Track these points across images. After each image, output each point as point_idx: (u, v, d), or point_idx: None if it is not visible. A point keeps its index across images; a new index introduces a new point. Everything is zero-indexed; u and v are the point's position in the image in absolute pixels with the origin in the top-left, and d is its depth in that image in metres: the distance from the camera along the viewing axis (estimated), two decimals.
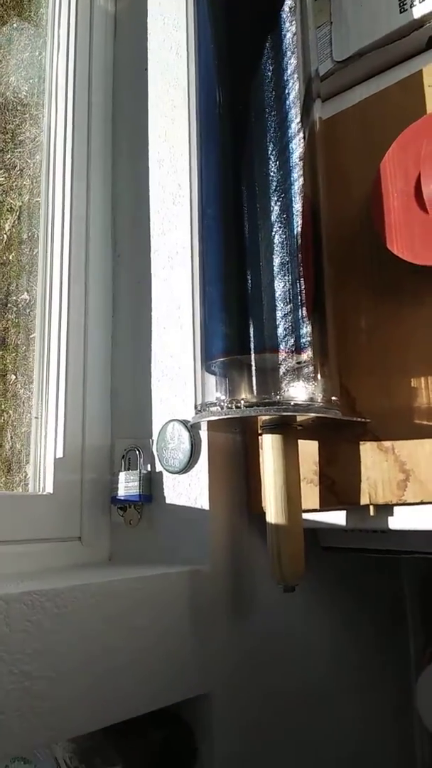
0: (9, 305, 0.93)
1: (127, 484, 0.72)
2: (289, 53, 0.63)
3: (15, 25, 1.04)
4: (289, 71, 0.63)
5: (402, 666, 0.90)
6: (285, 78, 0.63)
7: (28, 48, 1.02)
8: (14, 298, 0.93)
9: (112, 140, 0.87)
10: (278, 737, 0.69)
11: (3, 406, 0.90)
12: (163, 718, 0.61)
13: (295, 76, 0.63)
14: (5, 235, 0.97)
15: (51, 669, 0.51)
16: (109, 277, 0.82)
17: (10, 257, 0.96)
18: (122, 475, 0.73)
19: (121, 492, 0.72)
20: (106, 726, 0.54)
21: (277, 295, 0.58)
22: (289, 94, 0.63)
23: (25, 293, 0.91)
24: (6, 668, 0.48)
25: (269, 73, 0.63)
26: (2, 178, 0.99)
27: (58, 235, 0.79)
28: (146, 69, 0.84)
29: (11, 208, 0.98)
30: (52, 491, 0.71)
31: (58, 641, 0.51)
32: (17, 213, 0.97)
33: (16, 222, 0.97)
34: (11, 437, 0.88)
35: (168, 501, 0.70)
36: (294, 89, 0.63)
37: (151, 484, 0.72)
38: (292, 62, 0.63)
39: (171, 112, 0.80)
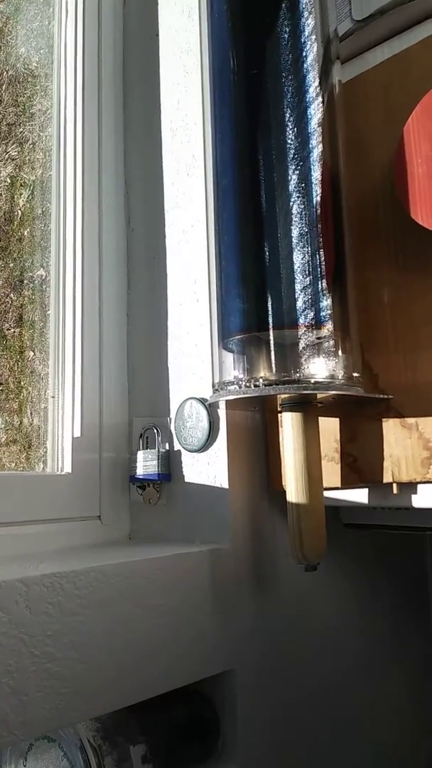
0: (25, 281, 0.92)
1: (146, 463, 0.71)
2: (306, 13, 0.60)
3: None
4: (306, 32, 0.60)
5: (424, 640, 0.89)
6: (302, 40, 0.60)
7: (37, 17, 0.99)
8: (30, 274, 0.92)
9: (123, 110, 0.85)
10: (302, 713, 0.69)
11: (22, 383, 0.90)
12: (185, 696, 0.61)
13: (313, 37, 0.60)
14: (20, 211, 0.96)
15: (73, 650, 0.50)
16: (123, 253, 0.81)
17: (25, 233, 0.95)
18: (140, 454, 0.72)
19: (140, 471, 0.71)
20: (129, 705, 0.54)
21: (295, 267, 0.56)
22: (306, 56, 0.60)
23: (41, 269, 0.90)
24: (28, 650, 0.48)
25: (286, 35, 0.60)
26: (15, 152, 0.97)
27: (70, 210, 0.77)
28: (157, 34, 0.81)
29: (24, 182, 0.96)
30: (70, 471, 0.71)
31: (79, 622, 0.51)
32: (30, 188, 0.95)
33: (30, 197, 0.95)
34: (30, 414, 0.88)
35: (187, 479, 0.69)
36: (312, 51, 0.60)
37: (170, 462, 0.71)
38: (309, 23, 0.60)
39: (184, 79, 0.77)
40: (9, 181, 0.97)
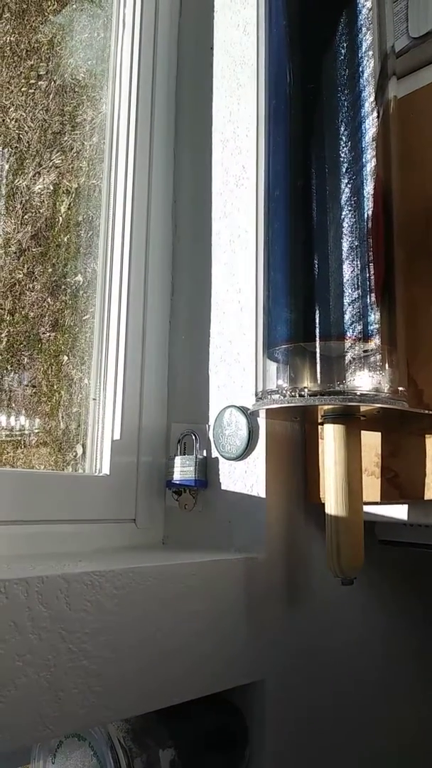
0: (63, 287, 0.93)
1: (183, 469, 0.71)
2: (364, 29, 0.61)
3: (75, 5, 1.03)
4: (363, 48, 0.61)
5: None
6: (359, 55, 0.60)
7: (87, 29, 1.01)
8: (68, 280, 0.93)
9: (175, 120, 0.86)
10: (330, 725, 0.68)
11: (55, 387, 0.91)
12: (215, 703, 0.61)
13: (370, 53, 0.61)
14: (60, 218, 0.98)
15: (108, 649, 0.51)
16: (168, 260, 0.82)
17: (65, 239, 0.96)
18: (178, 459, 0.72)
19: (177, 476, 0.72)
20: (160, 708, 0.54)
21: (345, 280, 0.56)
22: (363, 71, 0.60)
23: (79, 275, 0.92)
24: (66, 646, 0.48)
25: (343, 50, 0.60)
26: (59, 161, 0.99)
27: (119, 218, 0.79)
28: (212, 48, 0.82)
29: (67, 190, 0.98)
30: (108, 473, 0.71)
31: (116, 621, 0.51)
32: (73, 195, 0.97)
33: (72, 204, 0.97)
34: (62, 417, 0.89)
35: (223, 487, 0.69)
36: (368, 67, 0.60)
37: (207, 469, 0.72)
38: (367, 38, 0.61)
39: (237, 91, 0.78)
40: (52, 188, 0.99)
